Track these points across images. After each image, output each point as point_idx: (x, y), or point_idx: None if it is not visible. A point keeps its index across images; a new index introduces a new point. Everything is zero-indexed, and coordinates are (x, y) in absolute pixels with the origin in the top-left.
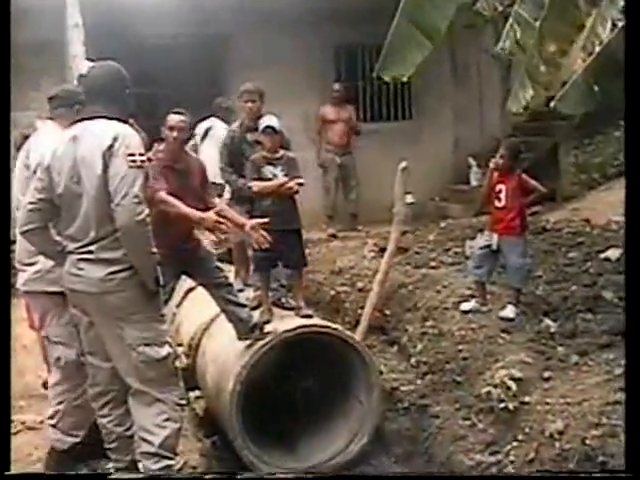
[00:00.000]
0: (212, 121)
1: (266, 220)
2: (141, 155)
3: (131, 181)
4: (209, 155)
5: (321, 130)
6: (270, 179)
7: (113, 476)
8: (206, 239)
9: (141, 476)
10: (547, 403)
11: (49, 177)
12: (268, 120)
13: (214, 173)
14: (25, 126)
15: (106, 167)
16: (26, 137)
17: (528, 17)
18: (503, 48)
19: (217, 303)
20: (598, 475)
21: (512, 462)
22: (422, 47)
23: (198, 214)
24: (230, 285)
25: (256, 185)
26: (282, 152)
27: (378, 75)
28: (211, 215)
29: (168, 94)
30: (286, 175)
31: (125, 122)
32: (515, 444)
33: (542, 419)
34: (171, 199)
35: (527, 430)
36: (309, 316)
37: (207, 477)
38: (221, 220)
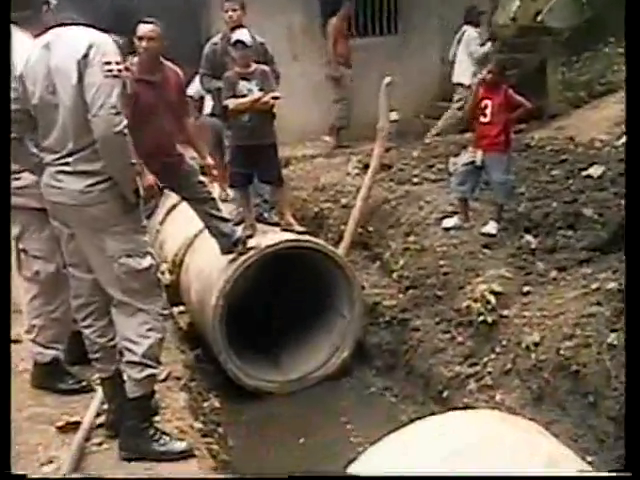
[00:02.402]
0: None
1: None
2: (118, 64)
3: (108, 91)
4: None
5: (336, 43)
6: (245, 95)
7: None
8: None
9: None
10: (525, 316)
11: (23, 87)
12: (239, 34)
13: None
14: None
15: (81, 76)
16: None
17: None
18: None
19: (200, 218)
20: (598, 475)
21: (490, 373)
22: None
23: None
24: (213, 200)
25: (231, 102)
26: (255, 66)
27: None
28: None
29: (145, 6)
30: (261, 89)
31: (102, 30)
32: (493, 356)
33: (519, 332)
34: None
35: (505, 342)
36: (299, 232)
37: (212, 477)
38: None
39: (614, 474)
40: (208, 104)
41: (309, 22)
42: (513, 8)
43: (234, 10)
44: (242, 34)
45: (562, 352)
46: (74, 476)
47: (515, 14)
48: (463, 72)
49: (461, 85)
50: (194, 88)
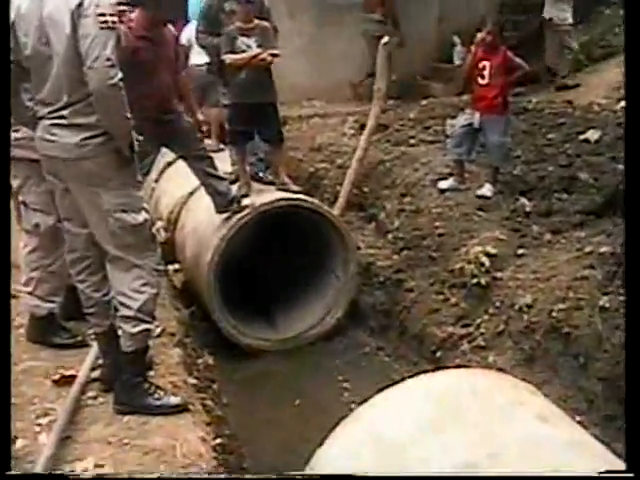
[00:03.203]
0: None
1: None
2: (112, 15)
3: (103, 43)
4: None
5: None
6: (244, 51)
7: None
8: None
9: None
10: (518, 279)
11: (14, 37)
12: None
13: None
14: None
15: (75, 27)
16: None
17: None
18: None
19: (196, 175)
20: (598, 475)
21: (482, 334)
22: None
23: None
24: (210, 158)
25: (229, 57)
26: (256, 22)
27: None
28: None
29: None
30: (260, 46)
31: None
32: (486, 317)
33: (513, 294)
34: None
35: (498, 304)
36: (294, 191)
37: (212, 477)
38: None
39: (615, 474)
40: (195, 54)
41: None
42: None
43: None
44: None
45: (554, 314)
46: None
47: None
48: None
49: None
50: (184, 37)
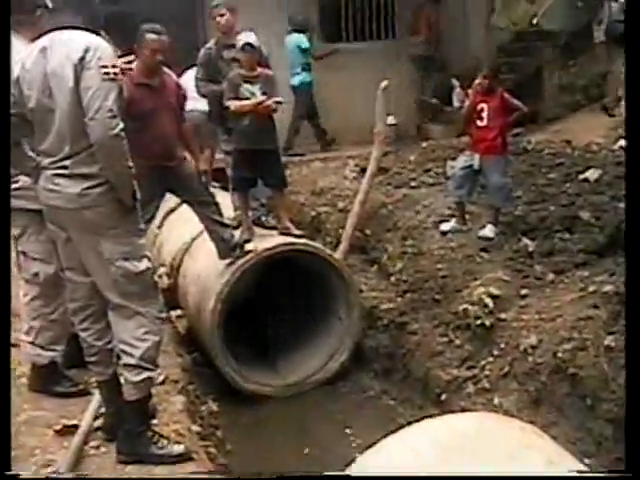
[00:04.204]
0: None
1: None
2: (114, 67)
3: (104, 94)
4: None
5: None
6: (248, 98)
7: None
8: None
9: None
10: (522, 319)
11: (19, 91)
12: (246, 37)
13: None
14: None
15: (78, 80)
16: None
17: None
18: None
19: (201, 221)
20: (598, 475)
21: (487, 376)
22: None
23: None
24: (216, 204)
25: (233, 104)
26: (260, 70)
27: None
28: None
29: (139, 12)
30: (264, 93)
31: (96, 33)
32: (490, 359)
33: (517, 335)
34: None
35: (502, 345)
36: (296, 235)
37: (212, 477)
38: None
39: (614, 474)
40: (190, 101)
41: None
42: (517, 11)
43: (221, 15)
44: (249, 37)
45: (559, 355)
46: (71, 476)
47: (516, 17)
48: None
49: None
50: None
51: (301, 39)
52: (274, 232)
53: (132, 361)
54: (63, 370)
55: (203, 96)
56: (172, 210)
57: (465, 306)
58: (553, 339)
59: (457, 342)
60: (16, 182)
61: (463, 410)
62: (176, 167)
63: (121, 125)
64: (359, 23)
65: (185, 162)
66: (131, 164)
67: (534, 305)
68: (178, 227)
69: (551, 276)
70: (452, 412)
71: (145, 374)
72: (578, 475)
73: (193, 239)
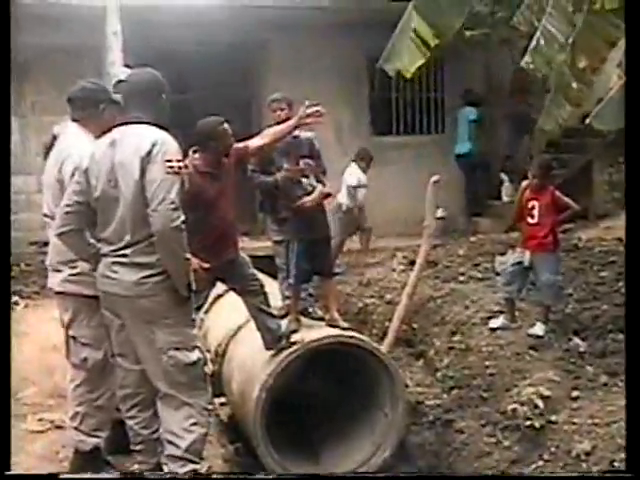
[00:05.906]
0: None
1: None
2: (178, 161)
3: (168, 187)
4: None
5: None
6: (310, 191)
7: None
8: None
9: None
10: (574, 423)
11: (86, 180)
12: (310, 135)
13: None
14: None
15: (144, 172)
16: (54, 137)
17: (555, 31)
18: (528, 62)
19: (248, 309)
20: (598, 475)
21: None
22: (428, 43)
23: None
24: (264, 294)
25: (307, 201)
26: (309, 161)
27: (380, 67)
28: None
29: (203, 100)
30: (319, 181)
31: (163, 128)
32: (540, 463)
33: (569, 439)
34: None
35: (553, 449)
36: (343, 328)
37: (214, 477)
38: None
39: (614, 475)
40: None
41: (356, 120)
42: (562, 114)
43: (282, 109)
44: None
45: (616, 464)
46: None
47: (563, 120)
48: None
49: None
50: None
51: (472, 111)
52: (321, 323)
53: (177, 452)
54: (106, 456)
55: (257, 186)
56: (219, 296)
57: (514, 406)
58: (608, 446)
59: (505, 443)
60: (75, 267)
61: None
62: (235, 258)
63: (182, 217)
64: (409, 116)
65: (238, 250)
66: (189, 255)
67: (586, 408)
68: (225, 313)
69: (604, 378)
70: None
71: (190, 466)
72: (578, 475)
73: (240, 326)
